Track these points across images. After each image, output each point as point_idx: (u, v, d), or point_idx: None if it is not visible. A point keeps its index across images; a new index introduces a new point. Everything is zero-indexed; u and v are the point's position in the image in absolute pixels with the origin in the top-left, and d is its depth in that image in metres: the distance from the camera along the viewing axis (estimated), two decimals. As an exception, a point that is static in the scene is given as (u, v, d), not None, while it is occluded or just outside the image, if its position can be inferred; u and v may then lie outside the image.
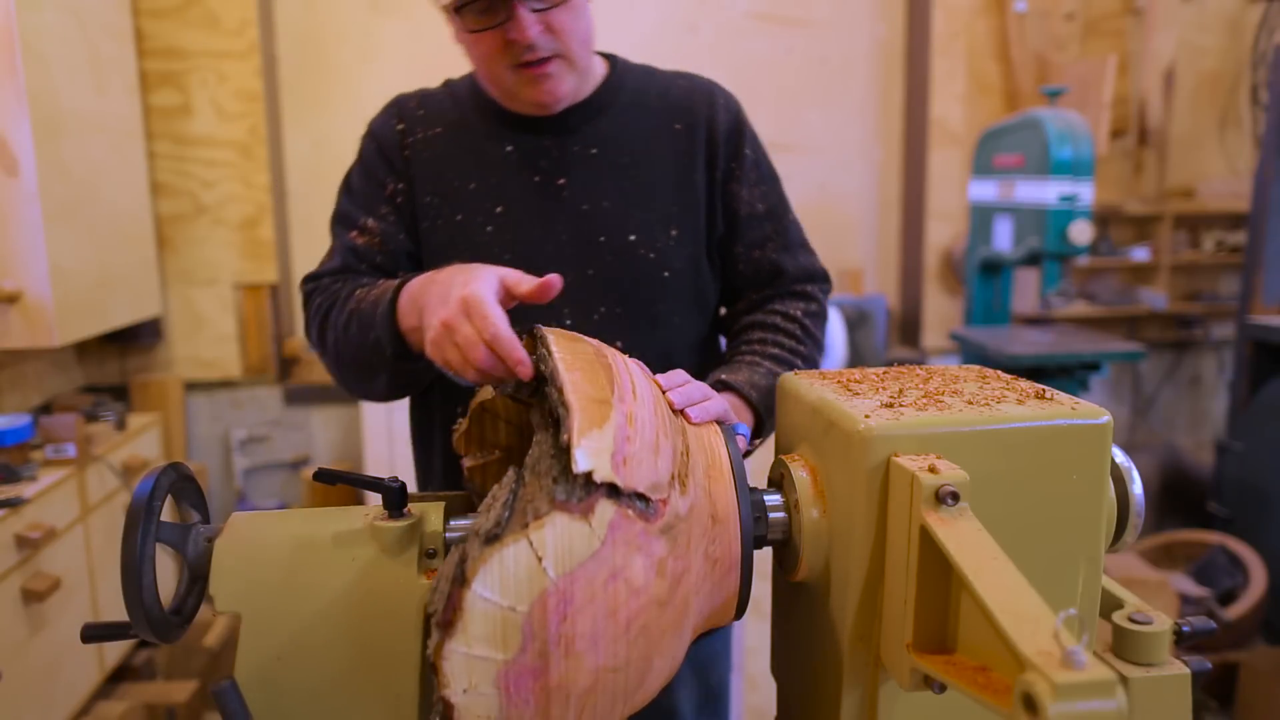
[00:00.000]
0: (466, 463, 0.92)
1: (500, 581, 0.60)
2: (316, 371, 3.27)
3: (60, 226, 2.28)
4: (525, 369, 0.78)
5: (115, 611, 2.39)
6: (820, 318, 1.22)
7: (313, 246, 3.36)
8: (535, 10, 1.02)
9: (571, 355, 0.74)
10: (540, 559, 0.61)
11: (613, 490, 0.64)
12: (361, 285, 1.08)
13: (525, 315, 1.10)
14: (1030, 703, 0.44)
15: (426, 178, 1.15)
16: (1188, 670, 0.71)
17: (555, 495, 0.63)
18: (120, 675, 2.54)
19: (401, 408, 3.19)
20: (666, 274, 1.14)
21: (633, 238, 1.13)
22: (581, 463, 0.63)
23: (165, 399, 3.13)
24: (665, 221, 1.15)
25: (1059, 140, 2.64)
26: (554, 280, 0.82)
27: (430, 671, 0.62)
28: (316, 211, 3.34)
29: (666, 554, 0.66)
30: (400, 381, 1.06)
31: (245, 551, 0.70)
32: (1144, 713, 0.70)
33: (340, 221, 1.17)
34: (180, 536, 0.71)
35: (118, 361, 3.15)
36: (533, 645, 0.61)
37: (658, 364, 1.10)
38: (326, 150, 3.32)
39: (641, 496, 0.65)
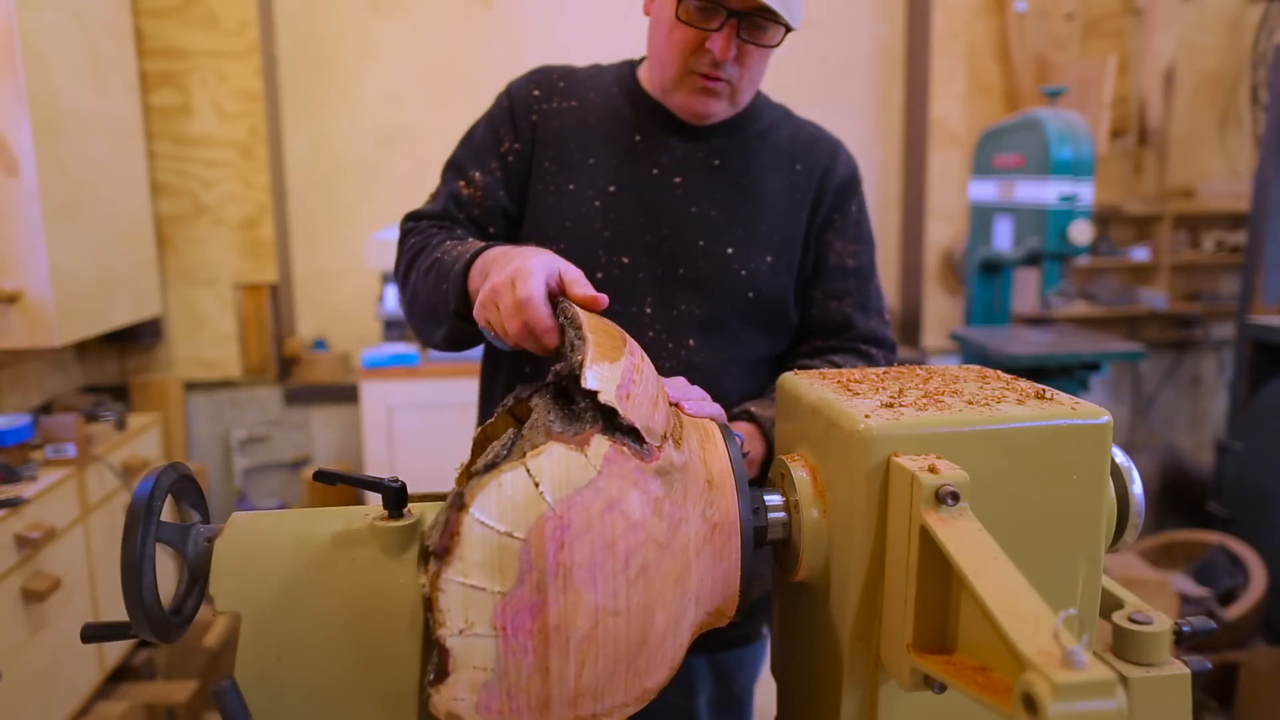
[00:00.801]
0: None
1: (498, 506, 0.61)
2: (316, 371, 3.27)
3: (60, 226, 2.28)
4: (551, 336, 0.82)
5: (115, 611, 2.40)
6: None
7: (313, 246, 3.36)
8: (743, 39, 1.08)
9: (591, 318, 0.80)
10: (537, 484, 0.62)
11: (609, 426, 0.66)
12: (455, 236, 1.13)
13: (611, 299, 1.12)
14: (1030, 703, 0.45)
15: (550, 144, 1.19)
16: (1188, 670, 0.71)
17: (552, 429, 0.65)
18: (120, 675, 2.54)
19: (400, 408, 3.15)
20: (751, 294, 1.17)
21: (730, 251, 1.16)
22: (590, 381, 0.67)
23: (165, 399, 3.13)
24: (764, 247, 1.18)
25: (1059, 140, 2.64)
26: (603, 299, 0.85)
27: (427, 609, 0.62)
28: (316, 211, 3.35)
29: (663, 495, 0.66)
30: (456, 336, 1.10)
31: (245, 551, 0.70)
32: (1144, 713, 0.70)
33: (452, 168, 1.23)
34: (180, 536, 0.71)
35: (118, 361, 3.15)
36: (531, 576, 0.61)
37: (716, 373, 1.12)
38: (326, 150, 3.32)
39: (637, 436, 0.67)
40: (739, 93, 1.15)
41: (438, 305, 1.05)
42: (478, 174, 1.19)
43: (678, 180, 1.17)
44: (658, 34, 1.14)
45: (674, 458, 0.69)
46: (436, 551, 0.61)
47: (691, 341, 1.15)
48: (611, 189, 1.17)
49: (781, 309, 1.20)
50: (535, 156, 1.19)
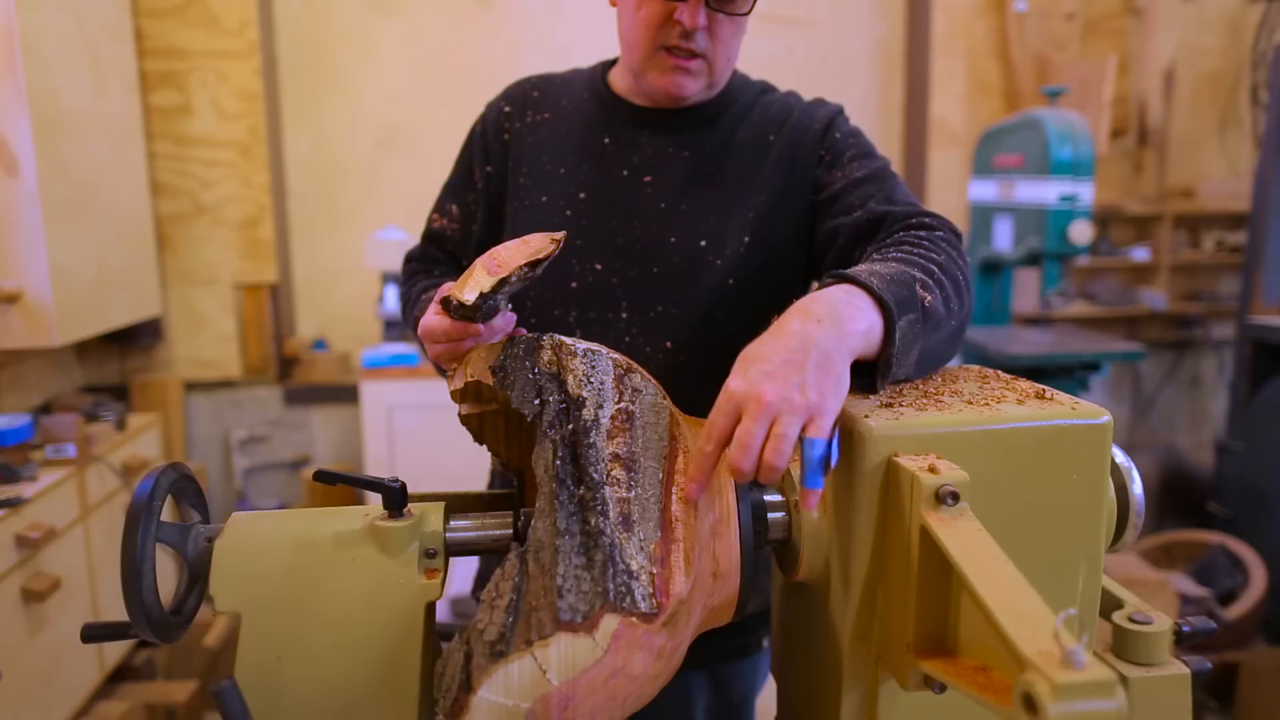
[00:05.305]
0: (462, 410, 0.91)
1: (504, 686, 0.63)
2: (316, 371, 3.27)
3: (60, 226, 2.28)
4: (449, 335, 0.87)
5: (115, 611, 2.39)
6: (951, 244, 0.96)
7: (313, 246, 3.36)
8: (711, 7, 1.05)
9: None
10: (544, 671, 0.63)
11: (618, 606, 0.65)
12: (434, 281, 1.19)
13: (583, 305, 1.13)
14: (1030, 703, 0.45)
15: (525, 159, 1.19)
16: (1188, 670, 0.71)
17: (560, 614, 0.64)
18: (120, 675, 2.54)
19: (400, 408, 3.16)
20: (731, 281, 1.13)
21: (703, 243, 1.13)
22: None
23: (165, 399, 3.13)
24: (740, 228, 1.13)
25: (1059, 140, 2.64)
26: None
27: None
28: (316, 211, 3.34)
29: (666, 641, 0.67)
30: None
31: (245, 551, 0.70)
32: (1144, 713, 0.70)
33: (436, 206, 1.27)
34: (180, 536, 0.71)
35: (118, 361, 3.15)
36: None
37: (706, 369, 1.08)
38: (326, 150, 3.32)
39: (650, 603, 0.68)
40: (715, 70, 1.11)
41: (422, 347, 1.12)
42: (454, 207, 1.24)
43: (648, 179, 1.15)
44: (625, 15, 1.12)
45: (682, 591, 0.68)
46: (446, 717, 0.64)
47: (669, 344, 1.12)
48: (582, 195, 1.15)
49: (765, 289, 1.13)
50: (510, 174, 1.19)
